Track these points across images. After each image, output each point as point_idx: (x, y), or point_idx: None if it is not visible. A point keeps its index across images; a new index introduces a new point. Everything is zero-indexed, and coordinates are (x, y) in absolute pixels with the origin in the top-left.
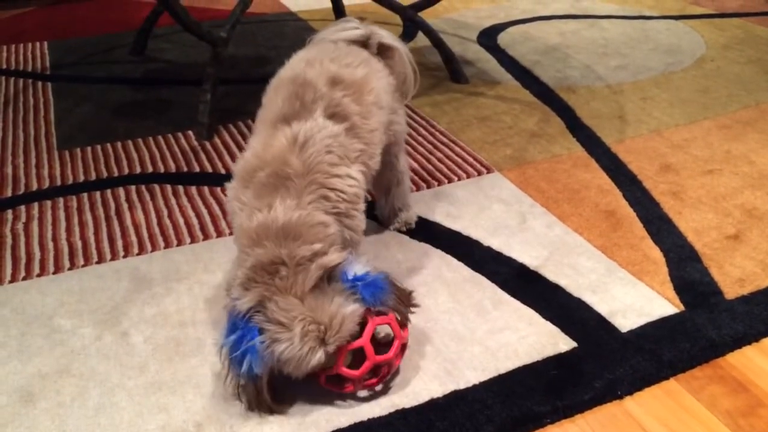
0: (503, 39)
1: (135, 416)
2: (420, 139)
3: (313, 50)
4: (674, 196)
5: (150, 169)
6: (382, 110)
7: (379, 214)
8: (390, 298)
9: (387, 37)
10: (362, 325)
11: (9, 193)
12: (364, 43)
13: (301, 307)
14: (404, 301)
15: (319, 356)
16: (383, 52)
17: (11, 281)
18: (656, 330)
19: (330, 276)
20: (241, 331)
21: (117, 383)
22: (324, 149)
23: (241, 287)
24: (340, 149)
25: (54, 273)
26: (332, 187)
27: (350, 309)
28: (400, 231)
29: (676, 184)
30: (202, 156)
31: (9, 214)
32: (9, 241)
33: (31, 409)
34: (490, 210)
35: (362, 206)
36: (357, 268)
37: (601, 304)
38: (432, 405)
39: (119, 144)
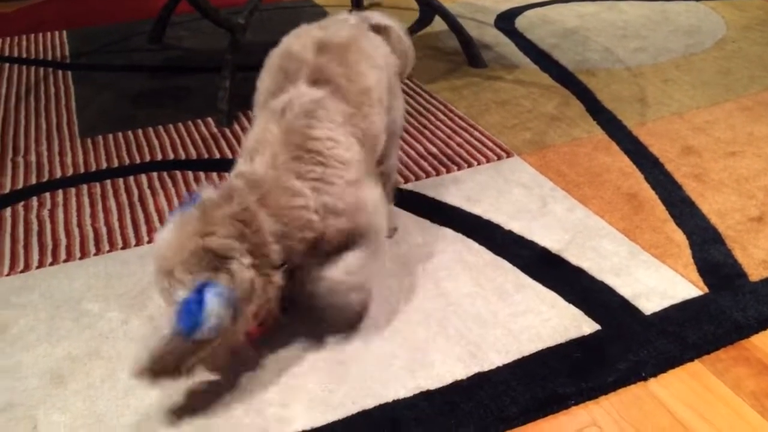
0: (521, 22)
1: (164, 398)
2: (438, 123)
3: (304, 25)
4: (697, 178)
5: (171, 156)
6: (375, 70)
7: None
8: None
9: (377, 17)
10: None
11: (33, 180)
12: None
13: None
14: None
15: None
16: (378, 33)
17: (39, 266)
18: (680, 312)
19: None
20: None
21: None
22: (302, 113)
23: None
24: (322, 112)
25: (80, 258)
26: (308, 149)
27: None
28: None
29: (698, 166)
30: (222, 142)
31: (34, 201)
32: (35, 227)
33: (62, 390)
34: (511, 194)
35: (351, 175)
36: (215, 290)
37: (624, 287)
38: (456, 387)
39: (140, 131)
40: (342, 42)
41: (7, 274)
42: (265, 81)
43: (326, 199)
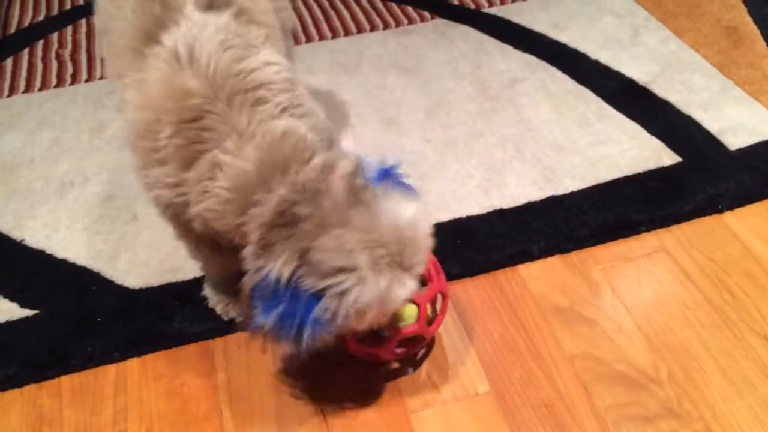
0: None
1: None
2: None
3: None
4: None
5: None
6: None
7: None
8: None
9: None
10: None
11: None
12: None
13: (351, 233)
14: None
15: (407, 286)
16: None
17: None
18: (767, 149)
19: (353, 186)
20: (285, 303)
21: None
22: (220, 48)
23: (261, 254)
24: (239, 40)
25: None
26: (258, 85)
27: (413, 210)
28: None
29: None
30: None
31: None
32: None
33: None
34: (601, 22)
35: (303, 90)
36: (372, 162)
37: (711, 121)
38: (529, 207)
39: None
40: None
41: (100, 78)
42: (125, 16)
43: (311, 121)
